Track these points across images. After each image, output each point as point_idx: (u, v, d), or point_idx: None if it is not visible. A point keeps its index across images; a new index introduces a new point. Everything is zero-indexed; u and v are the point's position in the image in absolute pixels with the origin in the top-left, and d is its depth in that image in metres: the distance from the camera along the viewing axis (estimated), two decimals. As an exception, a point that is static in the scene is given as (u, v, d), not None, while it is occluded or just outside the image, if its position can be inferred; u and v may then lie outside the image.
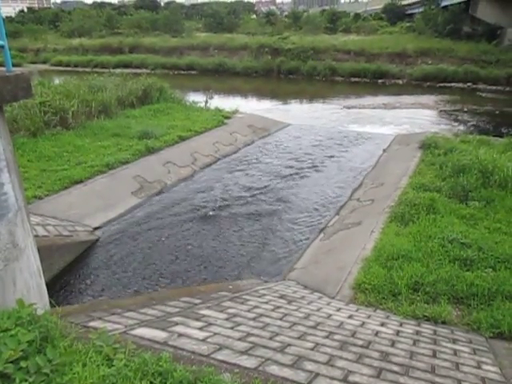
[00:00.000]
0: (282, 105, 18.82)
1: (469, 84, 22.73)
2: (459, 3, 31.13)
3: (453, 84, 22.92)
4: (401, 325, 3.59)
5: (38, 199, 6.24)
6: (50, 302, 2.95)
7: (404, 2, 53.17)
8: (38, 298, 2.87)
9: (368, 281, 4.23)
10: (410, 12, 49.11)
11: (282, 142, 11.47)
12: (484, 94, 20.79)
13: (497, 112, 16.65)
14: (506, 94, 20.76)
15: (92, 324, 2.85)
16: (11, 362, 1.89)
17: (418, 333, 3.45)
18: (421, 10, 38.87)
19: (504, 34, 26.41)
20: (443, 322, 3.73)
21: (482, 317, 3.72)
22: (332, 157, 10.16)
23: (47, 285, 3.03)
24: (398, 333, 3.38)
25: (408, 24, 37.33)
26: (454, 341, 3.39)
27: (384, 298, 4.06)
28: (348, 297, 4.15)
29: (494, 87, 22.00)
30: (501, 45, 25.82)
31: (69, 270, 5.22)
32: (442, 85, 22.97)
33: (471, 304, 3.95)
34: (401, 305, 3.94)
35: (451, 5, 32.39)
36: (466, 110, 17.15)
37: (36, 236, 3.69)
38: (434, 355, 3.03)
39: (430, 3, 36.46)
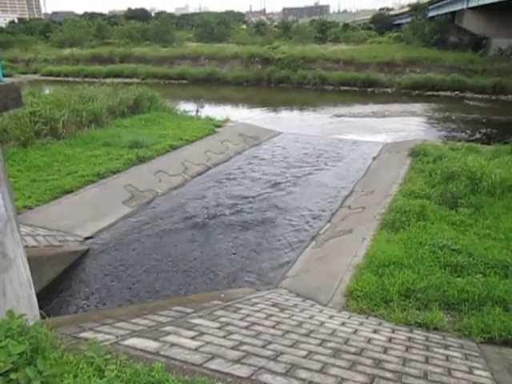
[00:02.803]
0: (272, 113, 18.91)
1: (456, 92, 23.07)
2: (445, 14, 31.73)
3: (441, 92, 23.23)
4: (393, 331, 3.59)
5: (28, 209, 6.18)
6: (41, 313, 2.91)
7: (392, 13, 53.96)
8: (28, 309, 2.83)
9: (360, 288, 4.24)
10: (397, 22, 49.90)
11: (273, 151, 11.51)
12: (471, 103, 21.10)
13: (484, 120, 16.89)
14: (493, 103, 21.09)
15: (83, 335, 2.81)
16: (1, 375, 1.86)
17: (410, 339, 3.46)
18: (408, 20, 39.54)
19: (489, 44, 26.92)
20: (435, 328, 3.75)
21: (473, 322, 3.74)
22: (322, 165, 10.20)
23: (37, 296, 2.99)
24: (390, 339, 3.38)
25: (396, 34, 37.91)
26: (446, 346, 3.41)
27: (376, 304, 4.06)
28: (340, 304, 4.15)
29: (481, 96, 22.34)
30: (486, 54, 26.29)
31: (59, 281, 5.16)
32: (430, 93, 23.26)
33: (462, 310, 3.97)
34: (393, 311, 3.95)
35: (438, 15, 33.01)
36: (453, 117, 17.38)
37: (26, 246, 3.66)
38: (427, 361, 3.04)
39: (417, 14, 37.12)
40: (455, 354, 3.26)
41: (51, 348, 2.22)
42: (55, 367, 2.03)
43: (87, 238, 6.08)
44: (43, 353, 2.11)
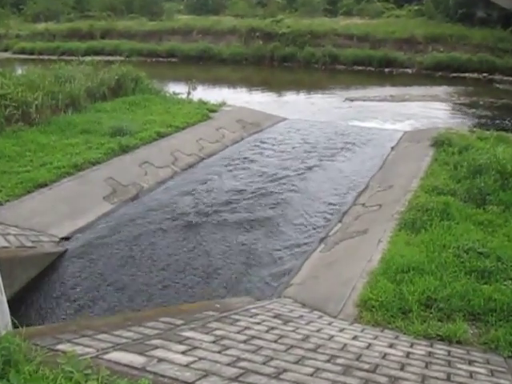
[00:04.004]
0: (275, 97, 18.90)
1: (484, 74, 23.01)
2: (473, -16, 31.60)
3: (467, 74, 23.18)
4: (411, 346, 3.61)
5: (-3, 205, 6.20)
6: (13, 322, 2.93)
7: (413, -18, 53.65)
8: (-2, 317, 2.85)
9: (375, 297, 4.25)
10: (419, -7, 49.60)
11: (277, 139, 11.51)
12: (501, 86, 21.07)
13: (517, 105, 16.89)
14: (527, 86, 21.08)
15: (60, 347, 2.83)
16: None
17: (430, 354, 3.48)
18: (431, -9, 39.34)
19: (523, 20, 26.82)
20: (458, 342, 3.77)
21: (501, 334, 3.76)
22: (333, 156, 10.22)
23: (8, 302, 3.00)
24: (408, 355, 3.40)
25: (417, 7, 37.69)
26: (470, 362, 3.43)
27: (393, 316, 4.08)
28: (352, 316, 4.17)
29: (512, 78, 22.34)
30: (518, 31, 26.19)
31: (33, 286, 5.19)
32: (455, 75, 23.21)
33: (489, 321, 3.99)
34: (411, 323, 3.96)
35: (464, -14, 32.85)
36: (481, 102, 17.36)
37: (-6, 248, 3.67)
38: (448, 378, 3.06)
39: (440, -16, 36.93)
40: (480, 370, 3.28)
41: (25, 361, 2.24)
42: (30, 382, 2.05)
43: (63, 239, 6.10)
44: (16, 366, 2.13)
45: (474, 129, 11.44)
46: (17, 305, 4.73)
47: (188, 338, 3.19)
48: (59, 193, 6.91)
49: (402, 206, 6.50)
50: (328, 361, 3.09)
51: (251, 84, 22.00)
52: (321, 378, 2.79)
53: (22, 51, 32.43)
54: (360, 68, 25.26)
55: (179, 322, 3.62)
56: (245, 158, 9.90)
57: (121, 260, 5.76)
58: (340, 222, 6.91)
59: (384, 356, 3.30)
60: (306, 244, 6.27)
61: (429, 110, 15.95)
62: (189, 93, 14.24)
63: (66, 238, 6.13)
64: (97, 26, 34.44)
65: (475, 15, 29.28)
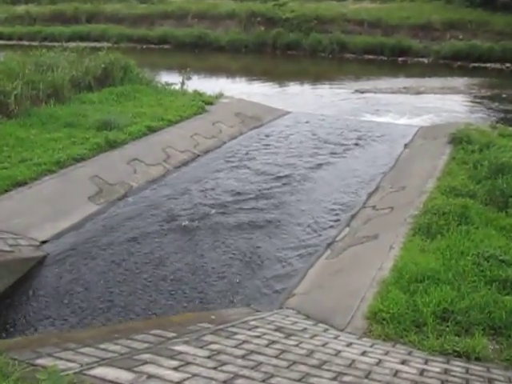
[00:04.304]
0: (278, 88, 18.90)
1: (508, 65, 23.00)
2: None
3: (488, 64, 23.17)
4: (426, 362, 3.62)
5: (-30, 206, 6.21)
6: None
7: (429, -38, 53.65)
8: (-29, 329, 2.85)
9: (386, 309, 4.26)
10: (436, -26, 49.64)
11: (279, 135, 11.52)
12: (527, 77, 21.11)
13: (544, 99, 16.90)
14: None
15: (40, 361, 2.84)
16: None
17: (446, 371, 3.48)
18: (450, -28, 39.36)
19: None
20: (477, 359, 3.77)
21: (525, 351, 3.77)
22: (340, 153, 10.23)
23: (-18, 313, 3.02)
24: (422, 372, 3.41)
25: (434, -11, 37.67)
26: (490, 380, 3.43)
27: (405, 329, 4.09)
28: (361, 329, 4.18)
29: (539, 69, 22.36)
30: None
31: (10, 295, 5.19)
32: (475, 65, 23.21)
33: (511, 335, 3.99)
34: (426, 338, 3.97)
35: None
36: (504, 95, 17.36)
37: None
38: (467, 399, 3.07)
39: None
40: (502, 391, 3.29)
41: (2, 376, 2.24)
42: (5, 402, 2.05)
43: (44, 242, 6.11)
44: (-9, 383, 2.14)
45: (496, 124, 11.44)
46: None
47: (180, 353, 3.20)
48: (40, 192, 6.92)
49: (416, 208, 6.50)
50: (334, 378, 3.10)
51: (251, 74, 22.01)
52: (326, 398, 2.80)
53: (0, 36, 32.45)
54: (371, 57, 25.27)
55: (171, 334, 3.63)
56: (244, 156, 9.91)
57: (107, 268, 5.75)
58: (348, 226, 6.92)
59: (396, 373, 3.31)
60: (310, 250, 6.27)
61: (446, 104, 15.96)
62: (183, 83, 14.23)
63: (47, 242, 6.13)
64: (82, 8, 34.41)
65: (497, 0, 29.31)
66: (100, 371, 2.76)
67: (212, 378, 2.85)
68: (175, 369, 2.92)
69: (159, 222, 6.89)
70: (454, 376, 3.43)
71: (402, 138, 11.39)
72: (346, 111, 14.70)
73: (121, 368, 2.84)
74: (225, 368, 3.03)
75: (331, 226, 6.96)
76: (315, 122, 12.87)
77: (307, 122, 12.79)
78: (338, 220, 7.17)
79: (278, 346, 3.57)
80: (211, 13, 31.34)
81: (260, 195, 7.89)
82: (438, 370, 3.51)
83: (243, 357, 3.27)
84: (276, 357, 3.35)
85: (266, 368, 3.12)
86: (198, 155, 9.84)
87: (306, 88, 19.46)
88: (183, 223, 6.85)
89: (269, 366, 3.17)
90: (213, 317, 4.42)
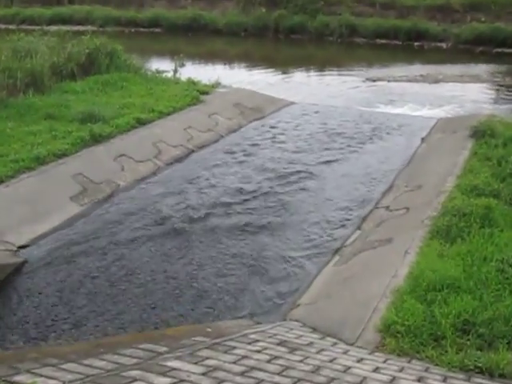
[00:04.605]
0: (281, 76, 18.89)
1: (536, 49, 23.02)
2: None
3: (514, 49, 23.18)
4: (445, 379, 3.61)
5: None
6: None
7: None
8: None
9: (401, 320, 4.25)
10: (456, -51, 49.59)
11: (282, 128, 11.53)
12: (557, 64, 21.08)
13: None
14: None
15: (18, 378, 2.84)
16: None
17: (468, 391, 3.48)
18: None
19: None
20: (501, 375, 3.76)
21: (554, 367, 3.76)
22: (351, 148, 10.23)
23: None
24: (441, 391, 3.41)
25: (454, -34, 37.65)
26: (517, 401, 3.43)
27: (422, 343, 4.08)
28: (373, 343, 4.17)
29: None
30: None
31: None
32: (499, 50, 23.18)
33: (540, 350, 4.00)
34: (445, 352, 3.96)
35: None
36: (532, 84, 17.37)
37: None
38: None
39: None
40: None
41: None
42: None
43: (22, 247, 6.10)
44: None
45: (523, 116, 11.44)
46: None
47: (173, 369, 3.20)
48: (17, 191, 6.92)
49: (434, 209, 6.50)
50: (343, 398, 3.10)
51: (251, 60, 22.00)
52: (334, 419, 2.80)
53: (-27, 19, 32.48)
54: (384, 41, 25.26)
55: (162, 349, 3.63)
56: (243, 151, 9.91)
57: (91, 277, 5.74)
58: (359, 228, 6.92)
59: (411, 392, 3.31)
60: (316, 256, 6.27)
61: (467, 93, 15.94)
62: (175, 71, 14.24)
63: (25, 247, 6.13)
64: (64, -12, 34.46)
65: (524, -23, 29.30)
66: (84, 390, 2.76)
67: (208, 398, 2.85)
68: (167, 387, 2.92)
69: (149, 225, 6.88)
70: (476, 395, 3.43)
71: (419, 131, 11.38)
72: (356, 101, 14.68)
73: (107, 386, 2.84)
74: (222, 386, 3.03)
75: (340, 229, 6.96)
76: (322, 113, 12.86)
77: (313, 114, 12.79)
78: (347, 222, 7.16)
79: (280, 361, 3.57)
80: (207, -7, 31.37)
81: (261, 195, 7.89)
82: (458, 388, 3.51)
83: (242, 374, 3.26)
84: (279, 374, 3.34)
85: (267, 386, 3.12)
86: (193, 150, 9.84)
87: (312, 76, 19.46)
88: (175, 226, 6.85)
89: (271, 383, 3.17)
90: (209, 329, 4.42)
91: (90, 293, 5.44)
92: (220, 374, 3.21)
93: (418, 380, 3.55)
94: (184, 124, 10.60)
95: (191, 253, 6.27)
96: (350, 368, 3.61)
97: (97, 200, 7.49)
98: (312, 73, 19.95)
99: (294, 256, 6.28)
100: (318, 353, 3.88)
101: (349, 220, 7.23)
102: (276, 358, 3.64)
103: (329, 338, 4.33)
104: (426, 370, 3.78)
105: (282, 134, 11.12)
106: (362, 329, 4.34)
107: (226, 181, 8.44)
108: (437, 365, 3.87)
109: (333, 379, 3.37)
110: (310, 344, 4.10)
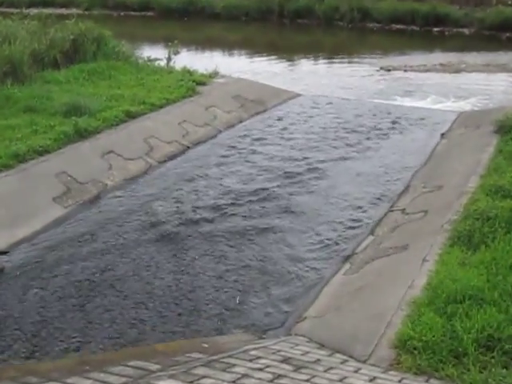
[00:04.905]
0: (286, 65, 18.91)
1: None
2: None
3: (545, 35, 23.18)
4: (467, 401, 3.61)
5: None
6: None
7: None
8: None
9: (418, 335, 4.25)
10: None
11: (287, 122, 11.55)
12: None
13: None
14: None
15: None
16: None
17: (492, 414, 3.47)
18: None
19: None
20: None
21: None
22: (362, 145, 10.23)
23: None
24: (462, 414, 3.40)
25: None
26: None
27: (442, 360, 4.07)
28: (387, 360, 4.17)
29: None
30: None
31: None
32: (528, 36, 23.22)
33: None
34: (467, 371, 3.95)
35: None
36: None
37: None
38: None
39: None
40: None
41: None
42: None
43: (0, 254, 6.10)
44: None
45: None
46: None
47: (166, 389, 3.19)
48: (-6, 192, 6.93)
49: (455, 213, 6.49)
50: (354, 421, 3.09)
51: (253, 48, 22.02)
52: None
53: None
54: (399, 27, 25.27)
55: (154, 366, 3.62)
56: (244, 148, 9.92)
57: (75, 286, 5.73)
58: (372, 234, 6.91)
59: (429, 415, 3.30)
60: (324, 264, 6.27)
61: (492, 85, 15.95)
62: (169, 59, 14.24)
63: (4, 253, 6.13)
64: (46, -33, 34.50)
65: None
66: (67, 411, 2.76)
67: (204, 421, 2.85)
68: (159, 409, 2.92)
69: (139, 230, 6.88)
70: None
71: (438, 125, 11.39)
72: (368, 93, 14.70)
73: (93, 407, 2.84)
74: (220, 408, 3.04)
75: (351, 234, 6.96)
76: (331, 106, 12.87)
77: (321, 107, 12.80)
78: (359, 227, 7.16)
79: (285, 381, 3.56)
80: (204, -28, 31.37)
81: (264, 197, 7.88)
82: (481, 410, 3.50)
83: (242, 394, 3.26)
84: (283, 394, 3.34)
85: (270, 408, 3.12)
86: (188, 147, 9.84)
87: (320, 65, 19.47)
88: (168, 231, 6.85)
89: (274, 405, 3.17)
90: (205, 345, 4.42)
91: (72, 306, 5.43)
92: (218, 395, 3.21)
93: (437, 401, 3.55)
94: (178, 118, 10.61)
95: (186, 261, 6.26)
96: (361, 388, 3.61)
97: (82, 201, 7.49)
98: (320, 61, 19.96)
99: (300, 264, 6.27)
100: (326, 371, 3.88)
101: (361, 224, 7.23)
102: (280, 376, 3.64)
103: (338, 355, 4.32)
104: (446, 390, 3.78)
105: (287, 129, 11.12)
106: (375, 344, 4.34)
107: (224, 180, 8.44)
108: (458, 384, 3.87)
109: (342, 400, 3.37)
110: (318, 361, 4.09)
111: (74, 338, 4.93)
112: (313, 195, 8.06)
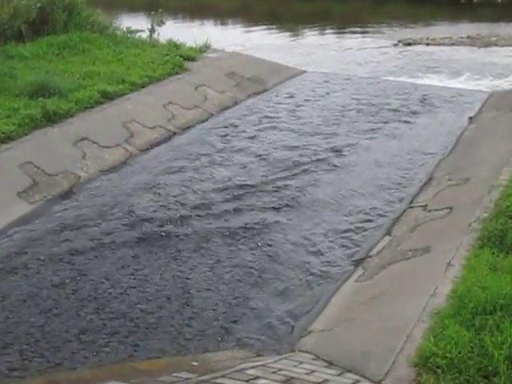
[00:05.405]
0: (288, 37, 18.88)
1: None
2: None
3: None
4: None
5: None
6: None
7: None
8: None
9: (441, 352, 4.25)
10: None
11: (290, 104, 11.54)
12: None
13: None
14: None
15: None
16: None
17: None
18: None
19: None
20: None
21: None
22: (376, 131, 10.23)
23: None
24: None
25: None
26: None
27: (469, 380, 4.07)
28: (406, 380, 4.17)
29: None
30: None
31: None
32: None
33: None
34: (498, 393, 3.97)
35: None
36: None
37: None
38: None
39: None
40: None
41: None
42: None
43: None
44: None
45: None
46: None
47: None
48: None
49: (485, 209, 6.49)
50: None
51: (251, 17, 22.00)
52: None
53: None
54: (421, -7, 25.26)
55: (135, 388, 3.63)
56: (239, 134, 9.92)
57: (45, 287, 5.74)
58: (388, 234, 6.90)
59: None
60: (333, 269, 6.27)
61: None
62: (152, 30, 14.22)
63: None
64: None
65: None
66: None
67: None
68: None
69: (117, 230, 6.86)
70: None
71: (466, 108, 11.40)
72: (385, 70, 14.70)
73: None
74: None
75: (364, 234, 6.96)
76: (340, 85, 12.86)
77: (328, 86, 12.77)
78: (373, 225, 7.15)
79: (287, 404, 3.57)
80: None
81: (263, 190, 7.88)
82: None
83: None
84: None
85: None
86: (174, 133, 9.84)
87: (329, 37, 19.43)
88: (152, 230, 6.84)
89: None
90: (195, 363, 4.42)
91: (44, 309, 5.43)
92: (209, 421, 3.22)
93: (464, 428, 3.55)
94: (163, 99, 10.60)
95: (172, 267, 6.26)
96: (376, 413, 3.62)
97: (51, 196, 7.48)
98: (329, 33, 19.94)
99: (304, 268, 6.27)
100: (334, 393, 3.89)
101: (375, 222, 7.22)
102: (281, 399, 3.65)
103: (349, 375, 4.33)
104: (474, 415, 3.79)
105: (290, 111, 11.12)
106: (391, 362, 4.34)
107: (216, 172, 8.43)
108: (487, 409, 3.88)
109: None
110: (325, 382, 4.10)
111: (38, 355, 4.95)
112: (319, 189, 8.06)
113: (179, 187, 7.92)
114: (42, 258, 6.30)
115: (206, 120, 10.53)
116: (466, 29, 19.67)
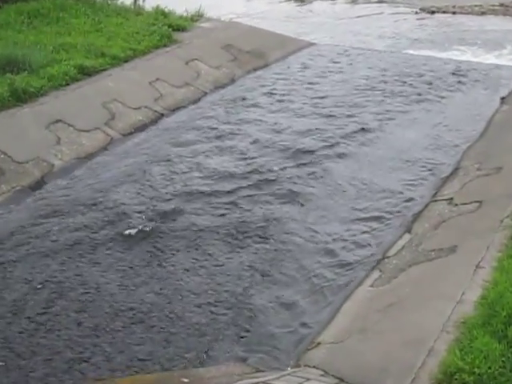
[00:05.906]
0: (294, 4, 18.84)
1: None
2: None
3: None
4: None
5: None
6: None
7: None
8: None
9: (469, 367, 4.25)
10: None
11: (296, 81, 11.54)
12: None
13: None
14: None
15: None
16: None
17: None
18: None
19: None
20: None
21: None
22: (395, 112, 10.22)
23: None
24: None
25: None
26: None
27: (501, 399, 4.09)
28: (428, 399, 4.18)
29: None
30: None
31: None
32: None
33: None
34: (533, 413, 3.98)
35: None
36: None
37: None
38: None
39: None
40: None
41: None
42: None
43: None
44: None
45: None
46: None
47: None
48: None
49: (520, 203, 6.50)
50: None
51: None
52: None
53: None
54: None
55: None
56: (236, 116, 9.91)
57: (11, 295, 5.75)
58: (408, 231, 6.91)
59: None
60: (345, 271, 6.28)
61: None
62: (137, -5, 14.25)
63: None
64: None
65: None
66: None
67: None
68: None
69: (95, 226, 6.86)
70: None
71: (498, 87, 11.40)
72: (405, 43, 14.71)
73: None
74: None
75: (381, 231, 6.96)
76: (351, 60, 12.84)
77: (339, 61, 12.77)
78: (392, 221, 7.16)
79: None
80: None
81: (261, 181, 7.87)
82: None
83: None
84: None
85: None
86: (162, 114, 9.84)
87: (339, 4, 19.40)
88: (135, 227, 6.85)
89: None
90: (185, 379, 4.43)
91: (8, 320, 5.44)
92: None
93: None
94: (149, 75, 10.60)
95: (156, 269, 6.26)
96: None
97: (20, 187, 7.49)
98: (338, 0, 19.91)
99: (310, 271, 6.28)
100: (346, 415, 3.90)
101: (394, 218, 7.23)
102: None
103: (363, 393, 4.34)
104: None
105: (294, 89, 11.10)
106: (411, 379, 4.34)
107: (209, 160, 8.43)
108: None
109: None
110: (335, 402, 4.11)
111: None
112: (328, 178, 8.06)
113: (166, 178, 7.92)
114: (13, 255, 6.32)
115: (199, 100, 10.53)
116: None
